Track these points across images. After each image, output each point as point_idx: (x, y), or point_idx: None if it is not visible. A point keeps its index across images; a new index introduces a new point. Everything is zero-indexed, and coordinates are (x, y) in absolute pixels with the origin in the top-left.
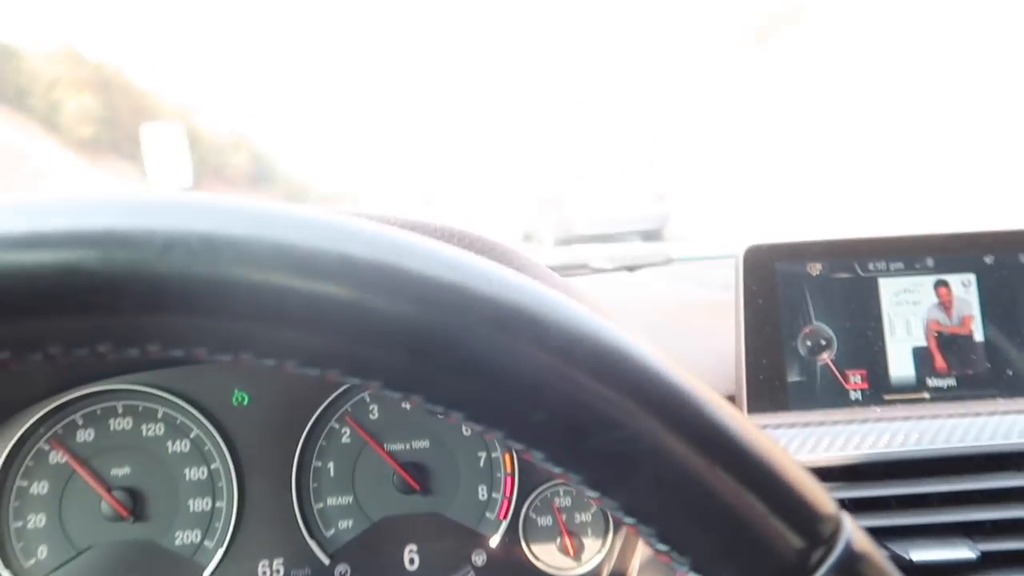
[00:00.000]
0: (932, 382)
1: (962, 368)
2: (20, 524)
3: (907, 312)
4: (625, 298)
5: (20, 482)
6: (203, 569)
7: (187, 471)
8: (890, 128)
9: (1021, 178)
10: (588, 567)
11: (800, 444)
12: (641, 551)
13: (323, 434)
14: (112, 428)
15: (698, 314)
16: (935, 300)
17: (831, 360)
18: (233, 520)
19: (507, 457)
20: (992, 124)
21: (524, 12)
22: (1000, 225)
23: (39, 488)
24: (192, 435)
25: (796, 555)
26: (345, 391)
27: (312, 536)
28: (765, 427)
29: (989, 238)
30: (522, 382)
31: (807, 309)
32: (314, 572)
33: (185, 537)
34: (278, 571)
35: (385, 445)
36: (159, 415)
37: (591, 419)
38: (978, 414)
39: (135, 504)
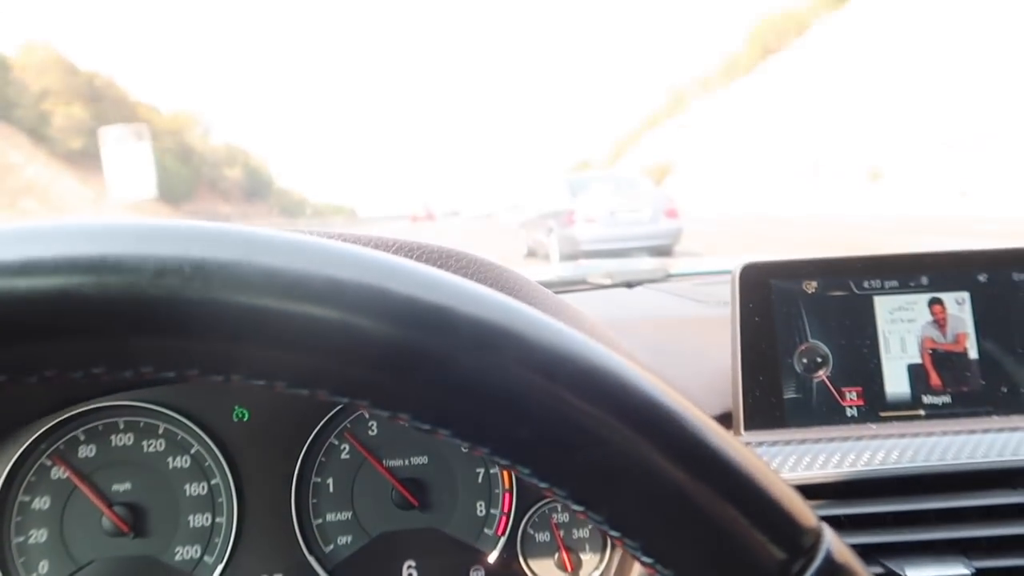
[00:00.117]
0: (927, 399)
1: (957, 385)
2: (22, 539)
3: (902, 330)
4: (623, 314)
5: (22, 497)
6: None
7: (187, 487)
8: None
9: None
10: None
11: (796, 461)
12: (639, 569)
13: (322, 450)
14: (113, 444)
15: (695, 331)
16: (929, 318)
17: (827, 377)
18: (233, 536)
19: (505, 473)
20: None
21: (524, 15)
22: (993, 244)
23: (41, 503)
24: (193, 451)
25: (777, 566)
26: (344, 408)
27: (311, 552)
28: (761, 444)
29: (982, 256)
30: (505, 399)
31: (803, 327)
32: None
33: (185, 552)
34: None
35: (384, 461)
36: (160, 431)
37: (574, 435)
38: (972, 431)
39: (136, 519)
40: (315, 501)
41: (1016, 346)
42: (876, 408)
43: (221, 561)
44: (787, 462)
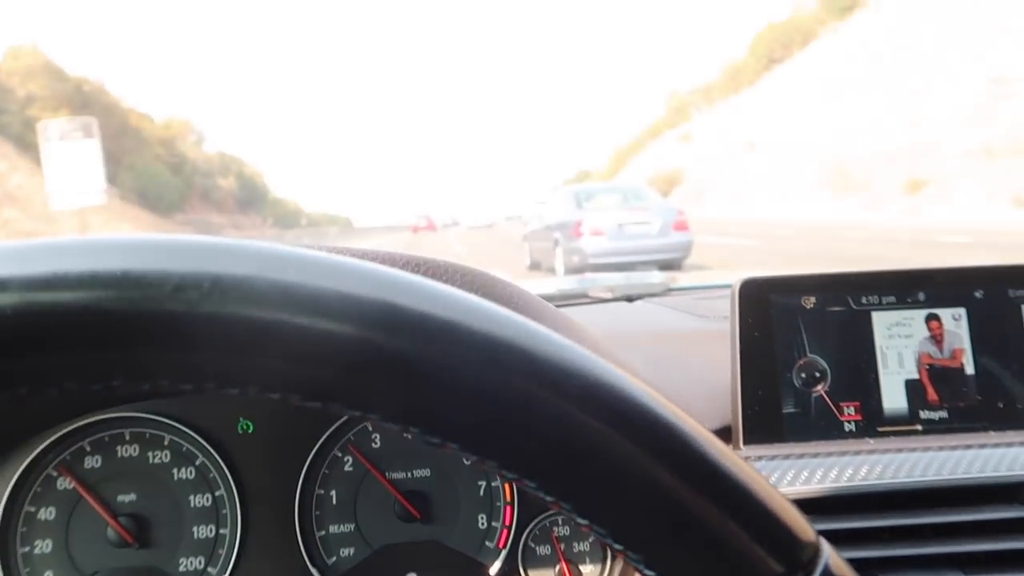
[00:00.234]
0: (924, 414)
1: (954, 400)
2: (27, 549)
3: (899, 345)
4: (624, 328)
5: (28, 508)
6: None
7: (192, 498)
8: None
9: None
10: None
11: (795, 475)
12: None
13: (326, 462)
14: (119, 455)
15: (695, 345)
16: (927, 333)
17: (825, 392)
18: (236, 547)
19: (507, 486)
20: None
21: (521, 27)
22: (989, 260)
23: (47, 514)
24: (197, 462)
25: None
26: (348, 420)
27: (314, 564)
28: (760, 458)
29: (979, 273)
30: (513, 414)
31: (801, 342)
32: None
33: (189, 564)
34: None
35: (387, 473)
36: (165, 442)
37: (579, 449)
38: (969, 446)
39: (140, 530)
40: (318, 513)
41: (1012, 362)
42: (874, 423)
43: (225, 572)
44: (785, 476)
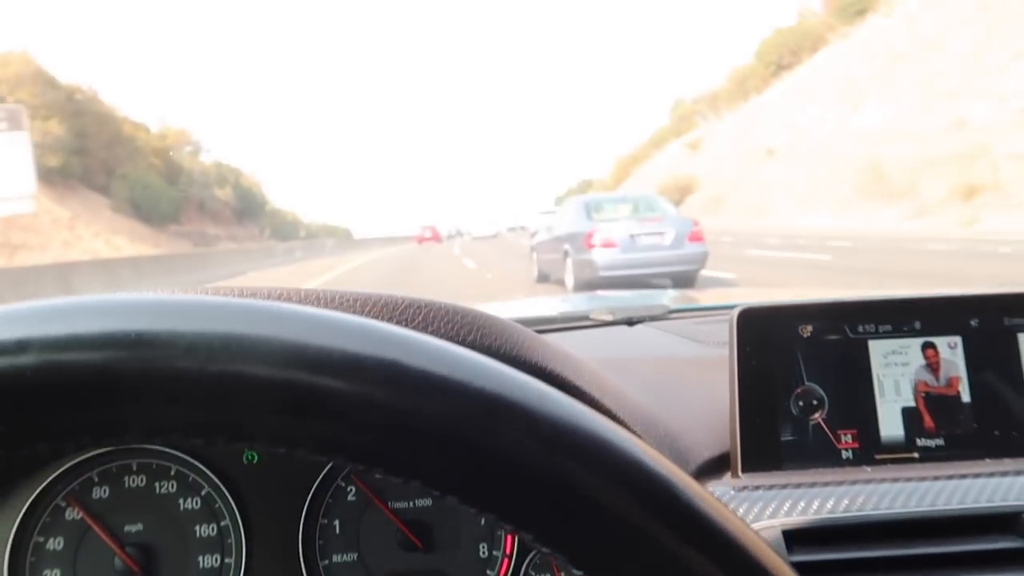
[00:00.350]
0: (921, 442)
1: (950, 428)
2: None
3: (896, 373)
4: (623, 353)
5: (37, 538)
6: None
7: (197, 528)
8: None
9: None
10: None
11: (792, 506)
12: None
13: (329, 492)
14: (127, 485)
15: (694, 371)
16: (923, 361)
17: (823, 420)
18: None
19: None
20: None
21: (524, 38)
22: (985, 289)
23: (55, 544)
24: (203, 492)
25: None
26: None
27: None
28: (758, 488)
29: (975, 301)
30: (509, 470)
31: (799, 370)
32: None
33: None
34: None
35: (389, 503)
36: (172, 472)
37: (577, 505)
38: (965, 475)
39: (147, 560)
40: (322, 543)
41: (1007, 390)
42: (871, 450)
43: None
44: (783, 507)
